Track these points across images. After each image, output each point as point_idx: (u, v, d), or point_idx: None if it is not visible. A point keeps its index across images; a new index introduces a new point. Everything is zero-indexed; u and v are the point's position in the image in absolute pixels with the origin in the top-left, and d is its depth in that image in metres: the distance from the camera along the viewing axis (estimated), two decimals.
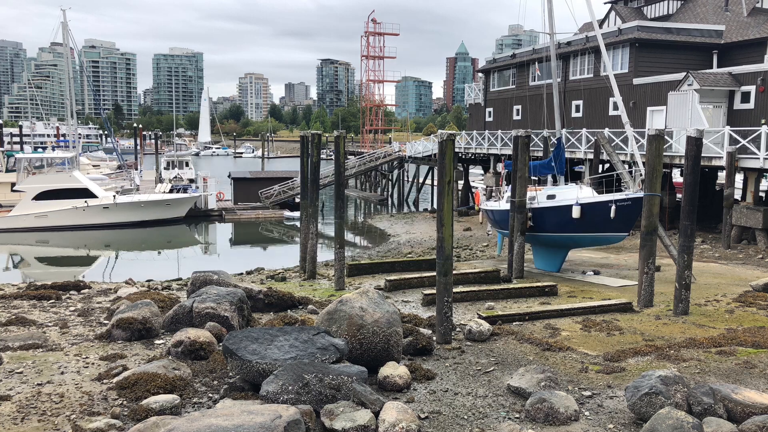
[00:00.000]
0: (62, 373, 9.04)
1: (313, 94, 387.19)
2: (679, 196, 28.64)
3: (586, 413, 7.88)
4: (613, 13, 45.58)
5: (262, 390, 7.44)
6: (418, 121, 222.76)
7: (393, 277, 17.23)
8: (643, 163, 18.59)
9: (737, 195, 28.55)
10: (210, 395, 8.23)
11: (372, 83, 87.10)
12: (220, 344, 9.65)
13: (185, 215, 44.72)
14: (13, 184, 43.77)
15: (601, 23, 43.27)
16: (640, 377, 7.85)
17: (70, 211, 40.38)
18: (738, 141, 24.87)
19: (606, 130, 30.90)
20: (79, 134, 68.48)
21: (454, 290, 13.70)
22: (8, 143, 72.67)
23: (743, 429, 6.91)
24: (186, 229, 43.73)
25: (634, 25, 36.77)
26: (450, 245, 11.20)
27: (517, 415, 7.85)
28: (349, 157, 59.49)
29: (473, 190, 47.48)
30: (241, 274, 23.66)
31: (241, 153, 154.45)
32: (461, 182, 47.48)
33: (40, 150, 58.07)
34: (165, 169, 58.29)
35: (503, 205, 22.09)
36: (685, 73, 30.80)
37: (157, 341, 10.72)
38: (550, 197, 20.26)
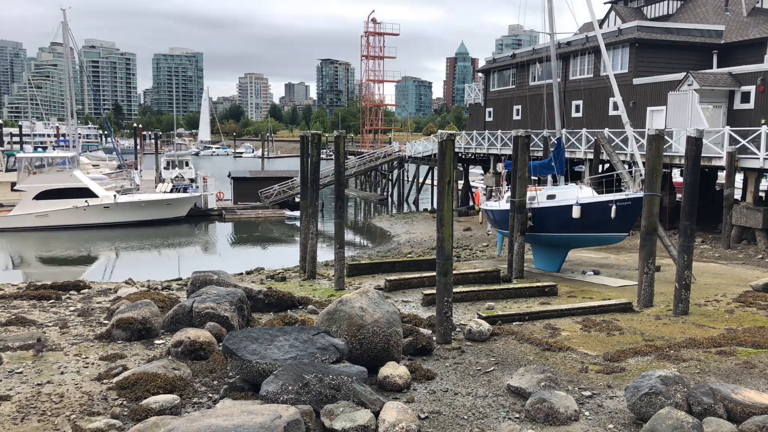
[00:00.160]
0: (62, 373, 9.04)
1: (313, 94, 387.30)
2: (679, 196, 28.63)
3: (586, 413, 7.88)
4: (613, 13, 45.59)
5: (262, 390, 7.44)
6: (418, 121, 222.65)
7: (393, 277, 17.22)
8: (643, 163, 18.59)
9: (737, 195, 28.54)
10: (210, 395, 8.23)
11: (372, 83, 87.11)
12: (220, 344, 9.64)
13: (185, 215, 44.74)
14: (13, 184, 43.77)
15: (601, 23, 43.25)
16: (640, 377, 7.85)
17: (70, 210, 40.38)
18: (738, 141, 24.87)
19: (606, 130, 30.90)
20: (79, 134, 68.50)
21: (454, 290, 13.70)
22: (8, 143, 72.66)
23: (743, 429, 6.91)
24: (186, 228, 43.73)
25: (634, 25, 36.77)
26: (450, 245, 11.20)
27: (517, 415, 7.85)
28: (349, 157, 59.49)
29: (473, 190, 47.48)
30: (241, 274, 23.66)
31: (241, 153, 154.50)
32: (461, 182, 47.49)
33: (40, 150, 58.08)
34: (165, 168, 58.31)
35: (503, 205, 22.08)
36: (685, 73, 30.81)
37: (157, 341, 10.72)
38: (550, 197, 20.26)
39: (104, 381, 8.69)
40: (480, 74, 54.91)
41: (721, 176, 30.56)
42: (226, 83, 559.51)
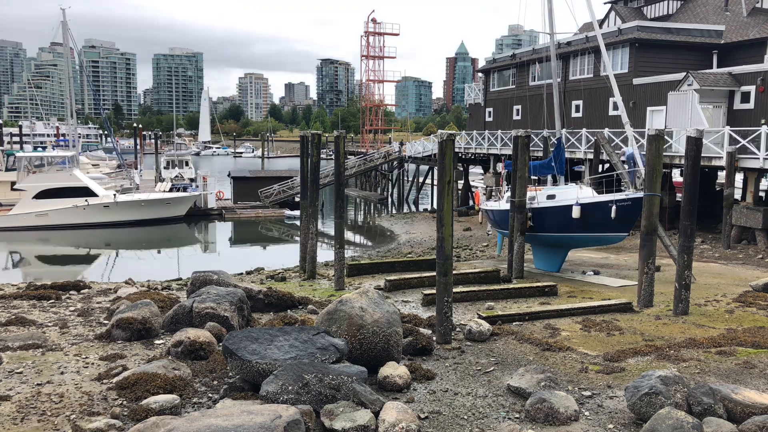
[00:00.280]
0: (62, 373, 9.04)
1: (313, 94, 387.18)
2: (679, 196, 28.63)
3: (586, 413, 7.88)
4: (613, 13, 45.60)
5: (262, 390, 7.44)
6: (418, 121, 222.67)
7: (393, 277, 17.23)
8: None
9: (737, 195, 28.54)
10: (210, 395, 8.22)
11: (372, 83, 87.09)
12: (220, 344, 9.64)
13: (185, 214, 44.74)
14: (13, 183, 43.76)
15: (601, 23, 43.27)
16: (640, 377, 7.85)
17: (70, 209, 40.37)
18: (738, 141, 24.88)
19: (606, 130, 30.90)
20: (79, 134, 68.50)
21: (454, 290, 13.70)
22: (8, 143, 72.65)
23: (743, 429, 6.91)
24: (186, 228, 43.74)
25: (634, 25, 36.77)
26: (450, 245, 11.20)
27: (517, 415, 7.84)
28: (348, 156, 59.49)
29: (473, 190, 47.49)
30: (241, 274, 23.66)
31: (241, 153, 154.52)
32: (461, 182, 47.49)
33: (39, 149, 58.07)
34: (165, 168, 58.33)
35: (503, 205, 22.09)
36: (685, 73, 30.81)
37: (157, 341, 10.72)
38: (550, 197, 20.26)
39: (104, 381, 8.69)
40: (480, 74, 54.91)
41: (721, 176, 30.56)
42: (226, 83, 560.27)
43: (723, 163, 25.30)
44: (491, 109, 51.28)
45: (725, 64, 34.48)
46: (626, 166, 23.27)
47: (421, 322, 12.14)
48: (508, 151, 36.76)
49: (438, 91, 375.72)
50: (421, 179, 58.51)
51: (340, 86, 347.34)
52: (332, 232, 22.05)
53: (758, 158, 24.05)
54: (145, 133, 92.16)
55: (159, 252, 37.08)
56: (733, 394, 7.43)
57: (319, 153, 20.42)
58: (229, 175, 54.15)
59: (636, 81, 34.75)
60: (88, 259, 34.38)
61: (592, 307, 13.72)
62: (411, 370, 9.10)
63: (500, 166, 36.57)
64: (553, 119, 24.42)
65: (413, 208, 53.75)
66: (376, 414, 7.21)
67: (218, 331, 10.49)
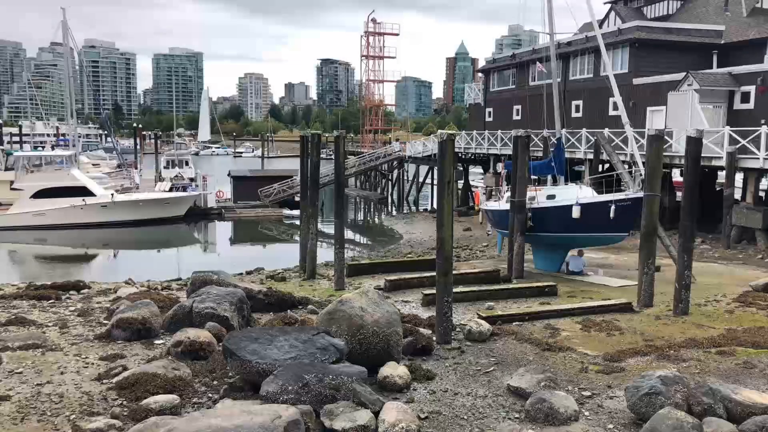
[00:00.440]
0: (62, 373, 9.03)
1: (313, 94, 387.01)
2: (679, 195, 28.61)
3: (586, 413, 7.88)
4: (613, 13, 45.59)
5: (261, 390, 7.44)
6: (418, 121, 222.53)
7: (393, 277, 17.23)
8: (643, 163, 18.58)
9: (737, 195, 28.52)
10: (210, 395, 8.22)
11: (372, 83, 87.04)
12: (220, 344, 9.63)
13: (184, 214, 44.69)
14: (11, 182, 43.70)
15: (601, 23, 43.21)
16: (640, 377, 7.85)
17: (68, 209, 40.30)
18: (738, 141, 24.87)
19: (606, 130, 30.87)
20: (79, 134, 68.47)
21: (454, 290, 13.68)
22: (8, 143, 72.63)
23: (743, 429, 6.91)
24: (185, 228, 43.69)
25: (634, 25, 36.76)
26: (450, 245, 11.20)
27: (517, 415, 7.84)
28: (348, 156, 59.44)
29: (473, 190, 47.47)
30: (241, 274, 23.63)
31: (241, 153, 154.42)
32: (461, 182, 47.47)
33: (39, 149, 58.04)
34: (165, 168, 58.31)
35: (503, 205, 22.08)
36: (685, 73, 30.79)
37: (156, 341, 10.72)
38: (550, 197, 20.27)
39: (104, 381, 8.69)
40: (480, 74, 54.92)
41: (721, 176, 30.54)
42: (226, 83, 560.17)
43: (723, 163, 25.29)
44: (491, 109, 51.27)
45: (725, 65, 34.45)
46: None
47: (421, 322, 12.14)
48: (508, 151, 36.70)
49: (438, 91, 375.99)
50: (421, 179, 58.46)
51: (340, 86, 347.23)
52: (332, 232, 22.03)
53: (758, 158, 24.04)
54: (144, 133, 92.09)
55: (159, 252, 37.06)
56: (733, 394, 7.43)
57: (319, 153, 20.42)
58: (229, 175, 54.15)
59: (636, 81, 34.74)
60: (87, 259, 34.35)
61: (592, 307, 13.73)
62: (411, 370, 9.10)
63: (500, 166, 36.51)
64: (553, 119, 24.38)
65: (413, 208, 53.74)
66: (376, 414, 7.21)
67: (218, 331, 10.48)
